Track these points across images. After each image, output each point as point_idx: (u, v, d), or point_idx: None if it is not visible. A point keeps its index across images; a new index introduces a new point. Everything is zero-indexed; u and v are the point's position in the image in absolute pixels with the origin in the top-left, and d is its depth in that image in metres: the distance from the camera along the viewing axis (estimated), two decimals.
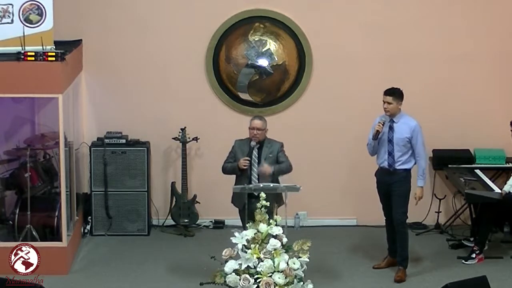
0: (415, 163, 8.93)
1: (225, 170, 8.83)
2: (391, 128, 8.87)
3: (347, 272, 8.98)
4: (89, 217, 10.40)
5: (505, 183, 9.45)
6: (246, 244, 7.16)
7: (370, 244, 9.84)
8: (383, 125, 8.84)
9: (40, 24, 9.16)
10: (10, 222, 9.70)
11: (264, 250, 7.08)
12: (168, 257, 9.49)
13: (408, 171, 8.90)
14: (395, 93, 8.86)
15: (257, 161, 8.57)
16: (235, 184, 8.68)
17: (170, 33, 10.48)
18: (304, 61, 10.56)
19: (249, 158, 8.57)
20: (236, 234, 7.23)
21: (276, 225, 7.19)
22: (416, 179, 8.91)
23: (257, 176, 8.52)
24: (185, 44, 10.49)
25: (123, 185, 10.31)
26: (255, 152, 8.62)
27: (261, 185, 8.38)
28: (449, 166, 10.39)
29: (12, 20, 9.13)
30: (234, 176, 8.79)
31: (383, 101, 8.87)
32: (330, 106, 10.54)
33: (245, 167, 8.52)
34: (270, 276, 6.99)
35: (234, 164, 8.65)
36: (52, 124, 9.74)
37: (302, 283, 7.12)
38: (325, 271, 9.11)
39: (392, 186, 8.88)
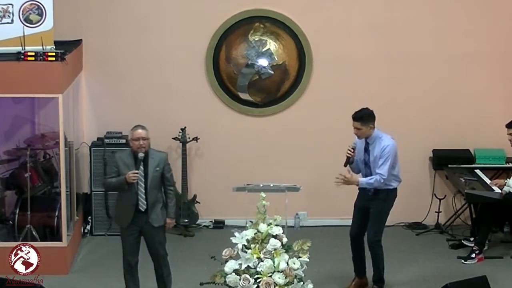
0: (400, 182, 8.50)
1: (110, 186, 8.23)
2: (366, 150, 8.44)
3: (347, 272, 8.98)
4: (89, 217, 10.40)
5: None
6: (246, 244, 7.17)
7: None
8: (353, 150, 8.42)
9: (40, 24, 9.16)
10: (10, 222, 9.71)
11: (264, 250, 7.08)
12: (168, 257, 9.48)
13: (390, 191, 8.43)
14: (362, 118, 8.32)
15: (143, 174, 7.95)
16: (117, 202, 8.30)
17: (170, 33, 10.48)
18: (304, 61, 10.57)
19: (137, 171, 7.90)
20: (236, 234, 7.23)
21: (276, 225, 7.20)
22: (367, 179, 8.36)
23: (144, 191, 7.93)
24: (185, 44, 10.50)
25: None
26: (140, 165, 7.97)
27: (261, 185, 8.38)
28: (449, 166, 10.40)
29: (12, 20, 9.13)
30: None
31: (352, 126, 8.39)
32: (330, 106, 10.55)
33: (135, 181, 7.87)
34: (270, 276, 7.00)
35: (121, 179, 7.92)
36: (52, 124, 9.75)
37: (302, 283, 7.12)
38: (325, 271, 9.11)
39: (370, 203, 8.46)
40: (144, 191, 7.98)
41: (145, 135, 7.97)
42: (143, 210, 7.99)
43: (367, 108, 8.44)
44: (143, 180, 7.97)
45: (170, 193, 8.16)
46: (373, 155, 8.39)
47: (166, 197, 8.14)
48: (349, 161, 8.48)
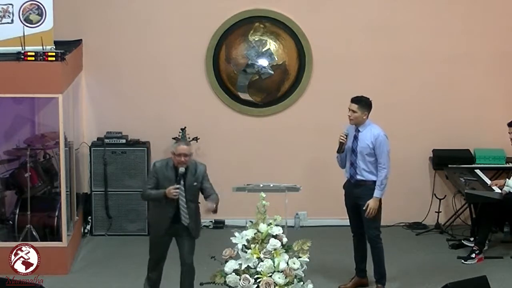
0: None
1: (149, 198, 8.00)
2: (355, 138, 8.43)
3: (347, 272, 8.98)
4: (89, 217, 10.40)
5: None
6: (246, 244, 7.17)
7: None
8: (346, 137, 8.42)
9: (40, 24, 9.16)
10: (10, 222, 9.70)
11: (264, 250, 7.08)
12: (168, 257, 9.46)
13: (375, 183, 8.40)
14: (361, 101, 8.43)
15: (183, 188, 7.77)
16: (152, 211, 8.17)
17: (170, 33, 10.48)
18: (304, 61, 10.57)
19: (179, 186, 7.72)
20: (236, 234, 7.23)
21: (276, 225, 7.20)
22: (379, 187, 8.36)
23: (185, 206, 7.77)
24: (185, 44, 10.50)
25: (123, 185, 10.31)
26: (182, 180, 7.80)
27: (261, 185, 8.38)
28: (449, 166, 10.39)
29: (12, 20, 9.13)
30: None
31: (348, 108, 8.45)
32: (330, 106, 10.54)
33: (176, 197, 7.70)
34: (270, 276, 7.00)
35: (160, 192, 7.75)
36: (52, 124, 9.75)
37: (302, 283, 7.12)
38: (325, 271, 9.12)
39: (360, 200, 8.41)
40: (185, 205, 7.79)
41: (188, 152, 7.80)
42: (185, 224, 7.81)
43: (367, 97, 8.52)
44: (184, 194, 7.79)
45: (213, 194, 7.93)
46: (363, 142, 8.39)
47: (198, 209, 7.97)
48: (342, 148, 8.46)
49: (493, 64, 10.57)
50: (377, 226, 8.50)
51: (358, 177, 8.43)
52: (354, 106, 8.44)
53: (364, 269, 8.79)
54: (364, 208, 8.39)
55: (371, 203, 8.34)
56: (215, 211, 7.86)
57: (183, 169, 7.78)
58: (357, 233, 8.69)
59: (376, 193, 8.36)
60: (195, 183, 7.86)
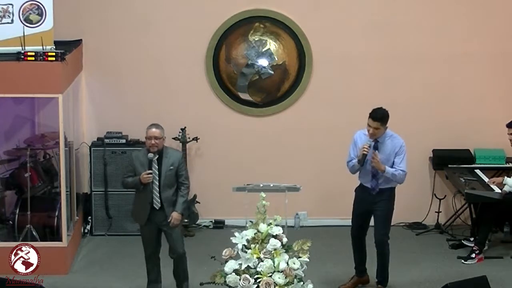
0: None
1: (127, 186, 8.32)
2: (375, 148, 8.33)
3: (347, 272, 8.98)
4: (89, 217, 10.40)
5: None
6: (246, 244, 7.17)
7: (370, 244, 9.83)
8: (369, 147, 8.29)
9: (40, 24, 9.16)
10: (10, 222, 9.70)
11: (264, 250, 7.08)
12: (168, 257, 9.48)
13: (393, 189, 8.45)
14: (383, 119, 8.26)
15: (157, 173, 8.09)
16: (134, 200, 8.34)
17: (170, 33, 10.49)
18: (304, 61, 10.57)
19: (150, 171, 8.07)
20: (236, 234, 7.23)
21: (276, 225, 7.20)
22: (393, 170, 8.29)
23: (158, 190, 8.08)
24: (185, 44, 10.50)
25: None
26: (154, 164, 8.13)
27: (261, 185, 8.38)
28: (449, 166, 10.40)
29: (12, 20, 9.13)
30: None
31: (369, 125, 8.25)
32: (330, 106, 10.55)
33: (149, 181, 8.05)
34: (270, 276, 7.00)
35: (136, 179, 8.11)
36: (52, 124, 9.75)
37: (302, 283, 7.12)
38: (325, 271, 9.12)
39: (375, 205, 8.42)
40: (158, 189, 8.11)
41: (158, 134, 8.13)
42: (157, 208, 8.12)
43: (383, 108, 8.35)
44: (158, 178, 8.09)
45: (182, 191, 8.24)
46: (385, 153, 8.34)
47: (176, 194, 8.22)
48: (364, 159, 8.33)
49: (493, 64, 10.57)
50: (387, 232, 8.49)
51: (380, 187, 8.41)
52: (377, 124, 8.25)
53: (364, 269, 8.79)
54: (379, 213, 8.38)
55: (377, 160, 8.26)
56: (174, 224, 8.18)
57: (151, 155, 8.09)
58: (357, 237, 8.69)
59: (388, 169, 8.23)
60: (171, 167, 8.13)
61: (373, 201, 8.45)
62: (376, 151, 8.30)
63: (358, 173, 8.58)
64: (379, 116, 8.27)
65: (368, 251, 8.78)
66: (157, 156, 8.15)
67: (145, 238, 8.34)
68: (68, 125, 9.44)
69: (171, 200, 8.18)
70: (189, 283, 8.48)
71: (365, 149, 8.28)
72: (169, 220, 8.17)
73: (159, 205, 8.13)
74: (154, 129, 8.16)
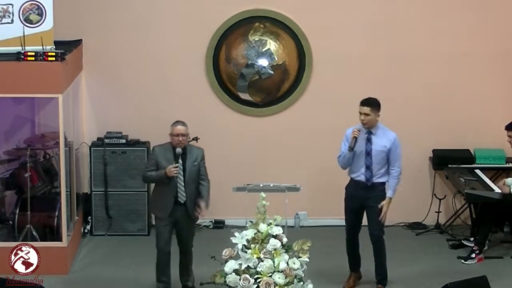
0: None
1: (149, 179, 8.47)
2: (369, 140, 8.40)
3: (347, 272, 8.97)
4: (89, 217, 10.40)
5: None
6: (246, 244, 7.17)
7: (370, 244, 9.83)
8: (358, 131, 8.37)
9: (40, 24, 9.16)
10: (10, 222, 9.70)
11: (264, 250, 7.09)
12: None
13: (384, 184, 8.48)
14: (372, 104, 8.36)
15: (182, 168, 8.24)
16: (155, 194, 8.47)
17: (170, 33, 10.49)
18: (304, 61, 10.57)
19: (178, 165, 8.18)
20: (236, 234, 7.23)
21: (276, 225, 7.20)
22: (392, 186, 8.44)
23: (183, 184, 8.22)
24: (185, 44, 10.50)
25: (123, 185, 10.31)
26: (179, 159, 8.27)
27: (261, 185, 8.37)
28: (449, 166, 10.40)
29: (12, 20, 9.13)
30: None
31: (360, 112, 8.38)
32: (330, 106, 10.55)
33: (175, 175, 8.16)
34: (270, 276, 7.00)
35: (161, 172, 8.21)
36: (52, 124, 9.75)
37: (302, 283, 7.12)
38: (325, 271, 9.11)
39: (368, 201, 8.43)
40: (183, 183, 8.24)
41: (184, 131, 8.30)
42: (182, 202, 8.22)
43: (374, 97, 8.50)
44: (182, 173, 8.23)
45: (205, 186, 8.38)
46: (379, 145, 8.40)
47: (200, 189, 8.34)
48: (355, 143, 8.38)
49: (493, 64, 10.57)
50: (383, 226, 8.52)
51: (375, 179, 8.44)
52: (367, 109, 8.38)
53: (359, 264, 8.81)
54: (380, 207, 8.40)
55: (386, 204, 8.42)
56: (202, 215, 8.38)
57: (180, 150, 8.24)
58: (352, 234, 8.68)
59: (390, 193, 8.46)
60: (195, 163, 8.31)
61: (365, 197, 8.46)
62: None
63: (348, 169, 8.60)
64: (368, 101, 8.42)
65: (365, 250, 8.77)
66: (182, 152, 8.31)
67: (161, 232, 8.32)
68: (68, 125, 9.44)
69: (194, 195, 8.29)
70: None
71: (356, 132, 8.39)
72: (197, 212, 8.28)
73: (184, 199, 8.23)
74: (180, 126, 8.31)
